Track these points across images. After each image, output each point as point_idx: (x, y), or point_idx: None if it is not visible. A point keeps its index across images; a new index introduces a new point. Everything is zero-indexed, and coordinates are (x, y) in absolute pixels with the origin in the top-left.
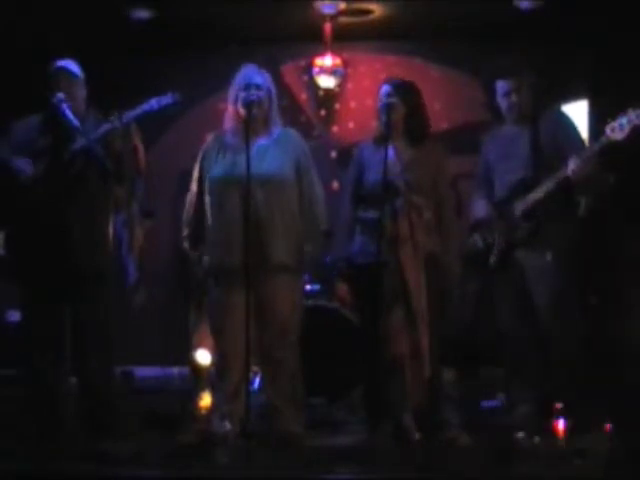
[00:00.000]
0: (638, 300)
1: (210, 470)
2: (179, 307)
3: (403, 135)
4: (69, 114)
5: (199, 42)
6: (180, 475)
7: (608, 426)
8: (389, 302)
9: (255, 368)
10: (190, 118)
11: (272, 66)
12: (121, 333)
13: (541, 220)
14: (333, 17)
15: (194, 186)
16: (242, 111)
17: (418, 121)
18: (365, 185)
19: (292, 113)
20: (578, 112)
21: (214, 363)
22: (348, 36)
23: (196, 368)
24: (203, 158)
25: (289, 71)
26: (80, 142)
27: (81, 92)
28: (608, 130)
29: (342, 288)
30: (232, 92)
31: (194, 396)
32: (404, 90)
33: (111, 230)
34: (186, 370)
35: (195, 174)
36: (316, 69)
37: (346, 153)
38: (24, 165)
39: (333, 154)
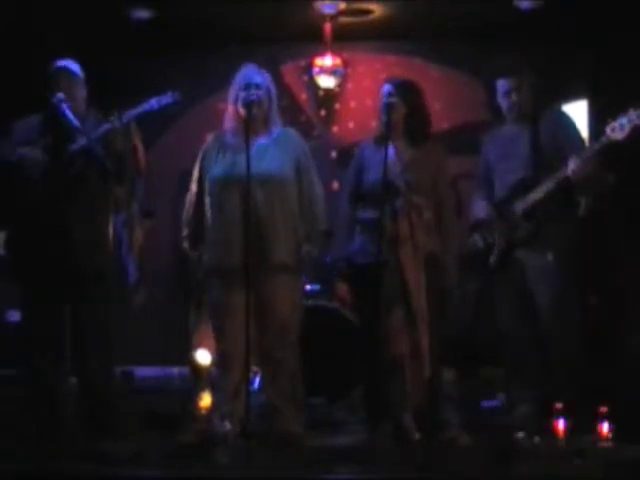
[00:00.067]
0: (638, 300)
1: (210, 470)
2: (179, 307)
3: (403, 135)
4: (69, 114)
5: (199, 42)
6: (180, 475)
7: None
8: (389, 302)
9: (255, 368)
10: (190, 118)
11: (272, 66)
12: (121, 333)
13: (541, 220)
14: (333, 17)
15: (194, 186)
16: (242, 111)
17: (419, 121)
18: (365, 185)
19: (292, 113)
20: (578, 112)
21: (214, 363)
22: (348, 36)
23: (196, 368)
24: (203, 158)
25: (289, 71)
26: (80, 142)
27: (81, 92)
28: (608, 130)
29: (342, 288)
30: (232, 92)
31: (194, 396)
32: (405, 90)
33: (111, 230)
34: (186, 370)
35: (195, 174)
36: (316, 69)
37: (346, 153)
38: (31, 152)
39: (333, 154)
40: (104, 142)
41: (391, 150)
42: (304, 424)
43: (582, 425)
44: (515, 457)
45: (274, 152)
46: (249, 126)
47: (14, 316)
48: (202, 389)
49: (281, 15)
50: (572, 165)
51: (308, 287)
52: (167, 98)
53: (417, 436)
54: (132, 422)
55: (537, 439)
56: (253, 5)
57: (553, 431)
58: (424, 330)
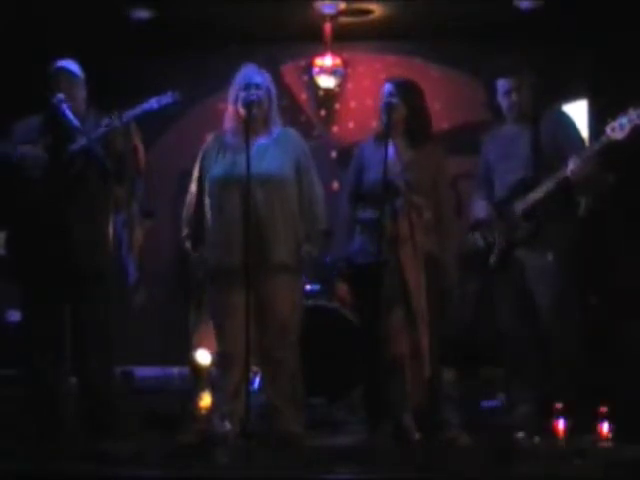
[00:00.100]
0: (638, 300)
1: (210, 470)
2: (179, 307)
3: (403, 135)
4: (69, 114)
5: (199, 42)
6: (180, 475)
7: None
8: (389, 302)
9: (255, 368)
10: (190, 118)
11: (272, 66)
12: (121, 333)
13: (541, 220)
14: (333, 17)
15: (194, 186)
16: (242, 111)
17: (419, 122)
18: (365, 184)
19: (292, 113)
20: (578, 112)
21: (214, 363)
22: (348, 36)
23: (196, 368)
24: (203, 158)
25: (289, 71)
26: (80, 142)
27: (81, 92)
28: (608, 129)
29: (342, 288)
30: (232, 92)
31: (194, 396)
32: (405, 90)
33: (111, 230)
34: (186, 370)
35: (195, 174)
36: (316, 69)
37: (346, 153)
38: (28, 149)
39: (333, 154)
40: (104, 142)
41: (391, 149)
42: (304, 424)
43: (582, 425)
44: (515, 457)
45: (274, 152)
46: (249, 126)
47: (14, 316)
48: (202, 389)
49: (281, 15)
50: (571, 165)
51: (308, 287)
52: (167, 98)
53: (417, 436)
54: (132, 422)
55: (537, 439)
56: (253, 5)
57: (553, 431)
58: (424, 330)
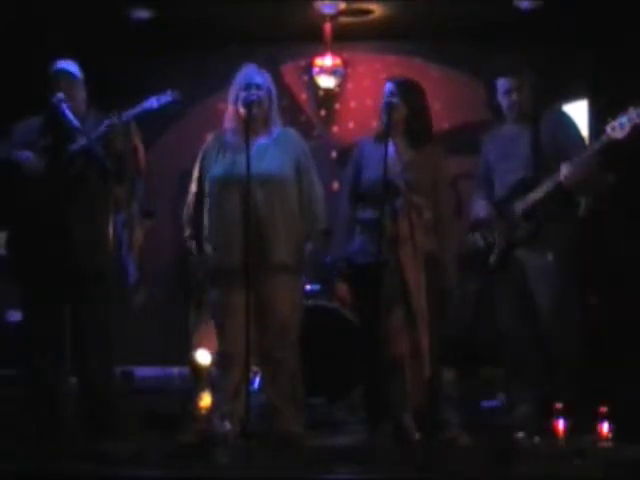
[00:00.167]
0: (638, 300)
1: (210, 470)
2: (179, 307)
3: (404, 135)
4: (69, 114)
5: (199, 42)
6: (180, 475)
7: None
8: (389, 302)
9: (255, 368)
10: (190, 118)
11: (272, 66)
12: (121, 333)
13: (541, 220)
14: (333, 17)
15: (194, 186)
16: (242, 111)
17: (420, 122)
18: (364, 183)
19: (292, 113)
20: (578, 112)
21: (214, 363)
22: (348, 36)
23: (196, 368)
24: (203, 158)
25: (289, 71)
26: (80, 142)
27: (81, 93)
28: (608, 129)
29: (342, 288)
30: (232, 92)
31: (194, 396)
32: (406, 89)
33: (111, 230)
34: (186, 370)
35: (195, 174)
36: (316, 69)
37: (346, 153)
38: (27, 156)
39: (333, 154)
40: (104, 142)
41: (391, 148)
42: (304, 424)
43: (582, 425)
44: (515, 457)
45: (274, 152)
46: (249, 126)
47: (14, 316)
48: (202, 389)
49: (281, 15)
50: (564, 171)
51: (308, 287)
52: (167, 97)
53: (417, 436)
54: (132, 422)
55: (537, 439)
56: (253, 5)
57: (553, 431)
58: (424, 330)
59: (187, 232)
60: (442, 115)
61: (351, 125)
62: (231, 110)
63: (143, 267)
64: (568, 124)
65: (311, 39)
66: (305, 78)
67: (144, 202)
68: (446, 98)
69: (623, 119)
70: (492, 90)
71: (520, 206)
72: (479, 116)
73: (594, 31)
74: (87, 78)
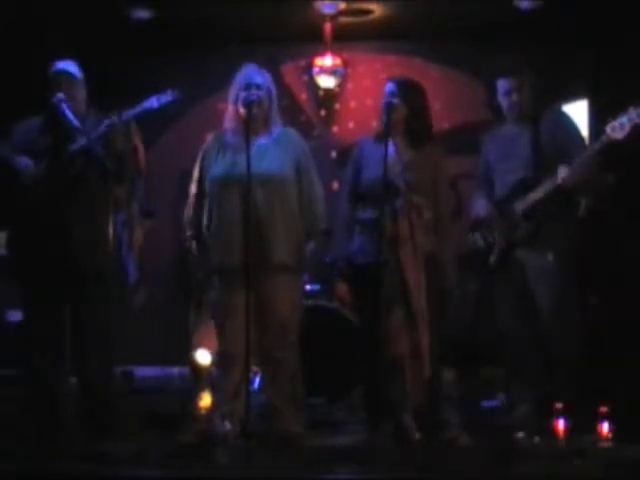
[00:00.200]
0: (638, 300)
1: (210, 470)
2: (179, 307)
3: (404, 135)
4: (69, 114)
5: (199, 42)
6: (180, 475)
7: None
8: (389, 302)
9: (255, 368)
10: (190, 118)
11: (272, 66)
12: (121, 333)
13: (541, 220)
14: (333, 17)
15: (194, 186)
16: (242, 111)
17: (420, 123)
18: (364, 182)
19: (292, 113)
20: (578, 112)
21: (214, 363)
22: (348, 36)
23: (196, 368)
24: (203, 158)
25: (289, 71)
26: (80, 142)
27: (81, 93)
28: (608, 129)
29: (342, 288)
30: (232, 92)
31: (194, 396)
32: (407, 89)
33: (111, 230)
34: (186, 370)
35: (195, 174)
36: (316, 69)
37: (346, 153)
38: (25, 163)
39: (333, 154)
40: (104, 142)
41: (391, 148)
42: (304, 424)
43: (582, 425)
44: (515, 457)
45: (274, 152)
46: (249, 126)
47: (14, 316)
48: (202, 389)
49: (281, 15)
50: (562, 174)
51: (308, 287)
52: (167, 96)
53: (417, 436)
54: (132, 422)
55: (537, 439)
56: (253, 5)
57: (553, 431)
58: (424, 330)
59: (188, 232)
60: (442, 115)
61: (351, 125)
62: (231, 110)
63: (143, 267)
64: (568, 124)
65: (311, 39)
66: (305, 78)
67: (144, 202)
68: (446, 98)
69: (623, 119)
70: (492, 90)
71: (520, 206)
72: (479, 116)
73: (594, 31)
74: (87, 78)
